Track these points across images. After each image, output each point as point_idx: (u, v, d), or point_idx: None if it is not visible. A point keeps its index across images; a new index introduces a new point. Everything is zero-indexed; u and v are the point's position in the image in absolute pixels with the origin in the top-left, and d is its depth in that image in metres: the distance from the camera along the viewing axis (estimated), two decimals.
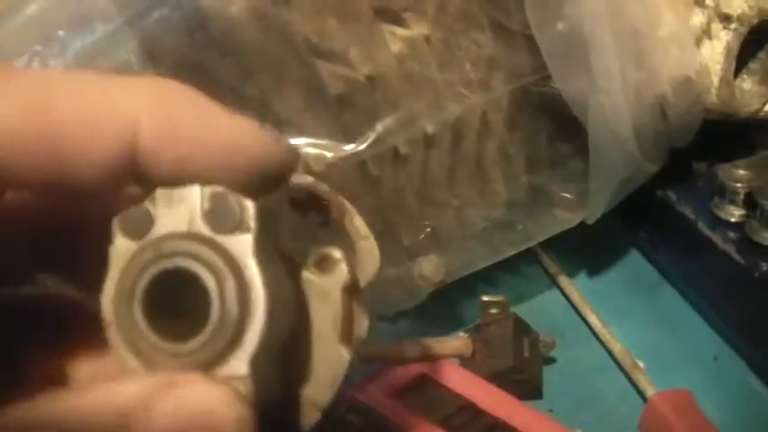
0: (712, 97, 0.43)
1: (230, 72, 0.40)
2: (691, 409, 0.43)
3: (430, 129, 0.43)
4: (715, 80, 0.43)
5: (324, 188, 0.25)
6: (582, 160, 0.46)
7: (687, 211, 0.47)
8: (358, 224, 0.26)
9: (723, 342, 0.47)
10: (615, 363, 0.47)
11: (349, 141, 0.41)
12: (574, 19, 0.39)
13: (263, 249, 0.20)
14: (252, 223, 0.20)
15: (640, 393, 0.45)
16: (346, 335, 0.23)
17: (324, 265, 0.23)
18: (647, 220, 0.51)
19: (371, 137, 0.41)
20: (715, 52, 0.43)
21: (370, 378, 0.42)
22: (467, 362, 0.45)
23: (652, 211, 0.49)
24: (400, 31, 0.41)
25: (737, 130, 0.48)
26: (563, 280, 0.52)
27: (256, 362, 0.20)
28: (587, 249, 0.53)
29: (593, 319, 0.49)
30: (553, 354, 0.48)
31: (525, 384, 0.45)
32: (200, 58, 0.41)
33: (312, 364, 0.23)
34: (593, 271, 0.53)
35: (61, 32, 0.39)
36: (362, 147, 0.41)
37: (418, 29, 0.42)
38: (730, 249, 0.44)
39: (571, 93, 0.42)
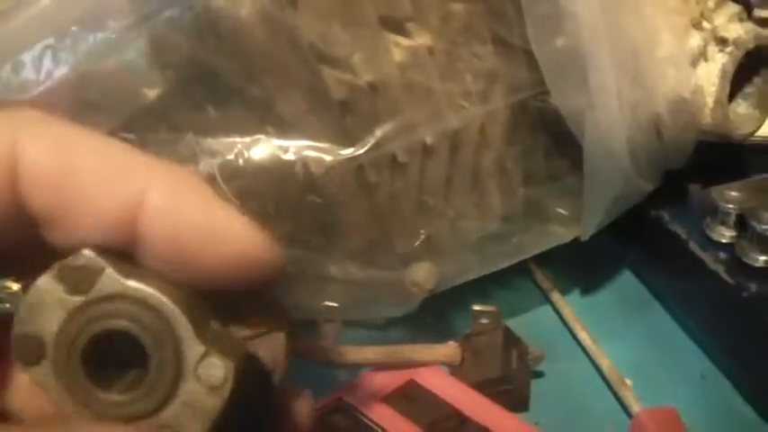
0: (707, 118, 0.44)
1: (236, 73, 0.41)
2: (675, 426, 0.43)
3: (429, 139, 0.43)
4: (710, 101, 0.43)
5: None
6: (578, 176, 0.46)
7: (679, 230, 0.47)
8: None
9: (710, 362, 0.47)
10: (603, 379, 0.47)
11: (349, 146, 0.42)
12: (573, 36, 0.40)
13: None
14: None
15: (626, 410, 0.45)
16: None
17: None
18: (640, 238, 0.52)
19: (370, 142, 0.42)
20: (711, 74, 0.43)
21: (358, 380, 0.43)
22: (455, 370, 0.45)
23: (645, 229, 0.50)
24: (404, 40, 0.42)
25: (732, 153, 0.49)
26: (555, 296, 0.52)
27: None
28: (580, 266, 0.54)
29: (583, 335, 0.49)
30: (542, 368, 0.48)
31: (512, 396, 0.45)
32: (207, 59, 0.42)
33: None
34: (585, 288, 0.54)
35: (74, 28, 0.41)
36: (361, 151, 0.42)
37: (421, 39, 0.43)
38: (720, 269, 0.44)
39: (568, 108, 0.43)
